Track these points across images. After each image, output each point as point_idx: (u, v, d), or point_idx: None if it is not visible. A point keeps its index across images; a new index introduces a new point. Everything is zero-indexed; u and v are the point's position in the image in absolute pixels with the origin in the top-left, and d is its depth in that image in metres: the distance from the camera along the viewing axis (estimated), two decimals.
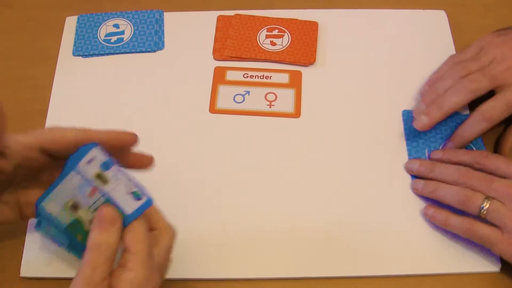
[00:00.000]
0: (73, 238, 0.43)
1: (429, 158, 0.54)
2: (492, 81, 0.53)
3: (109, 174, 0.41)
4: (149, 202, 0.41)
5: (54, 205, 0.43)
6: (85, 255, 0.39)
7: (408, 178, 0.55)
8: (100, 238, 0.39)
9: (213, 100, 0.60)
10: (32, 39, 0.66)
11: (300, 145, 0.57)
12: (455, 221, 0.49)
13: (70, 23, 0.66)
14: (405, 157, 0.56)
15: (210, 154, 0.57)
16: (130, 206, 0.40)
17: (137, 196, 0.41)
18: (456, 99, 0.53)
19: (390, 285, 0.50)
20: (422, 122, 0.54)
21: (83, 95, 0.61)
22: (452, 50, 0.62)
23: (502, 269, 0.50)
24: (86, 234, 0.40)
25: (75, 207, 0.42)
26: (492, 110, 0.52)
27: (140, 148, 0.57)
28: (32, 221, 0.51)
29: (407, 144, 0.57)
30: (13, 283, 0.51)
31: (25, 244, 0.52)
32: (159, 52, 0.64)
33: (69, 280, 0.50)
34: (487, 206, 0.47)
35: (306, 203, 0.54)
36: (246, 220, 0.53)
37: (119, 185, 0.41)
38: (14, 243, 0.52)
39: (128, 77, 0.62)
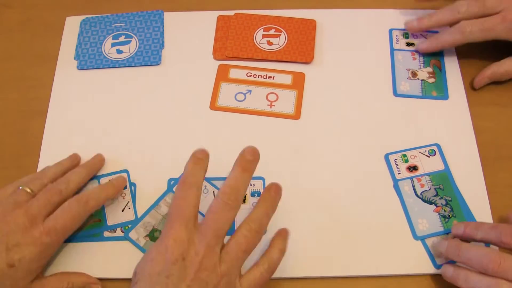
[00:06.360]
0: None
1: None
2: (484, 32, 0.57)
3: None
4: None
5: None
6: None
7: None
8: None
9: (214, 97, 0.60)
10: (32, 39, 0.66)
11: (298, 146, 0.57)
12: None
13: (70, 23, 0.66)
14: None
15: (208, 151, 0.57)
16: None
17: None
18: (447, 38, 0.59)
19: (390, 285, 0.50)
20: (411, 23, 0.62)
21: (83, 94, 0.61)
22: (452, 50, 0.63)
23: None
24: None
25: None
26: (468, 27, 0.57)
27: (140, 142, 0.58)
28: None
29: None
30: None
31: None
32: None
33: None
34: None
35: (305, 203, 0.54)
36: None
37: None
38: None
39: (128, 77, 0.62)
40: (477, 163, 0.56)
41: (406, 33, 0.64)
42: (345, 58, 0.63)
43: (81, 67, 0.63)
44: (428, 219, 0.53)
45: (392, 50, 0.63)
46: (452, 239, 0.50)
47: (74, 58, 0.64)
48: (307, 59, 0.62)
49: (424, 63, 0.62)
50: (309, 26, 0.65)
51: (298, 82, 0.61)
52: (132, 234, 0.52)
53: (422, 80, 0.61)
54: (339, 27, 0.65)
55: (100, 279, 0.50)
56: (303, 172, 0.56)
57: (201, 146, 0.57)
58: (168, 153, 0.57)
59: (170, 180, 0.55)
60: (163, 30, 0.65)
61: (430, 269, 0.50)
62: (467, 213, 0.53)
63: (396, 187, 0.54)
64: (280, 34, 0.64)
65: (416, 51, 0.62)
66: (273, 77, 0.62)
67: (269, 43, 0.64)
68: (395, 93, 0.60)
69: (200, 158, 0.47)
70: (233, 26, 0.65)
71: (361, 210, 0.53)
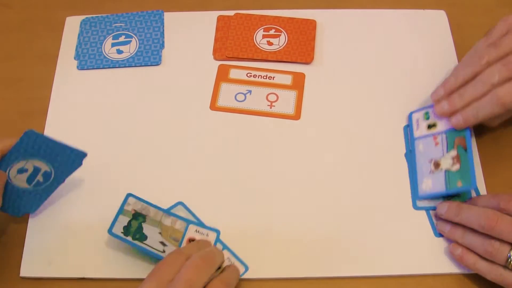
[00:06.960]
0: None
1: None
2: None
3: None
4: None
5: None
6: None
7: (407, 178, 0.55)
8: None
9: (214, 97, 0.60)
10: (32, 39, 0.66)
11: (299, 147, 0.57)
12: (484, 266, 0.48)
13: (70, 23, 0.66)
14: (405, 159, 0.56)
15: (208, 151, 0.57)
16: None
17: None
18: (486, 112, 0.50)
19: (390, 285, 0.50)
20: (442, 108, 0.53)
21: (83, 94, 0.61)
22: (452, 50, 0.63)
23: None
24: None
25: None
26: (507, 96, 0.49)
27: (140, 142, 0.58)
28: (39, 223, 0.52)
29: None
30: (13, 283, 0.51)
31: (25, 244, 0.52)
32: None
33: (68, 280, 0.51)
34: None
35: (305, 203, 0.54)
36: (243, 220, 0.53)
37: None
38: (14, 243, 0.52)
39: (128, 77, 0.62)
40: (476, 162, 0.56)
41: (426, 113, 0.55)
42: (345, 58, 0.63)
43: (81, 67, 0.63)
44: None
45: (413, 140, 0.55)
46: (452, 201, 0.52)
47: (74, 58, 0.64)
48: (307, 59, 0.62)
49: (448, 146, 0.52)
50: (309, 26, 0.65)
51: (298, 83, 0.61)
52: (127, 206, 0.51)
53: (445, 170, 0.52)
54: (339, 27, 0.65)
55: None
56: (303, 172, 0.56)
57: (202, 145, 0.57)
58: (168, 152, 0.57)
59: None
60: (163, 30, 0.65)
61: (430, 269, 0.51)
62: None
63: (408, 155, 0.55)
64: (280, 34, 0.64)
65: (439, 134, 0.53)
66: (273, 77, 0.62)
67: (269, 43, 0.64)
68: (416, 199, 0.53)
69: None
70: (233, 26, 0.65)
71: (361, 211, 0.53)
